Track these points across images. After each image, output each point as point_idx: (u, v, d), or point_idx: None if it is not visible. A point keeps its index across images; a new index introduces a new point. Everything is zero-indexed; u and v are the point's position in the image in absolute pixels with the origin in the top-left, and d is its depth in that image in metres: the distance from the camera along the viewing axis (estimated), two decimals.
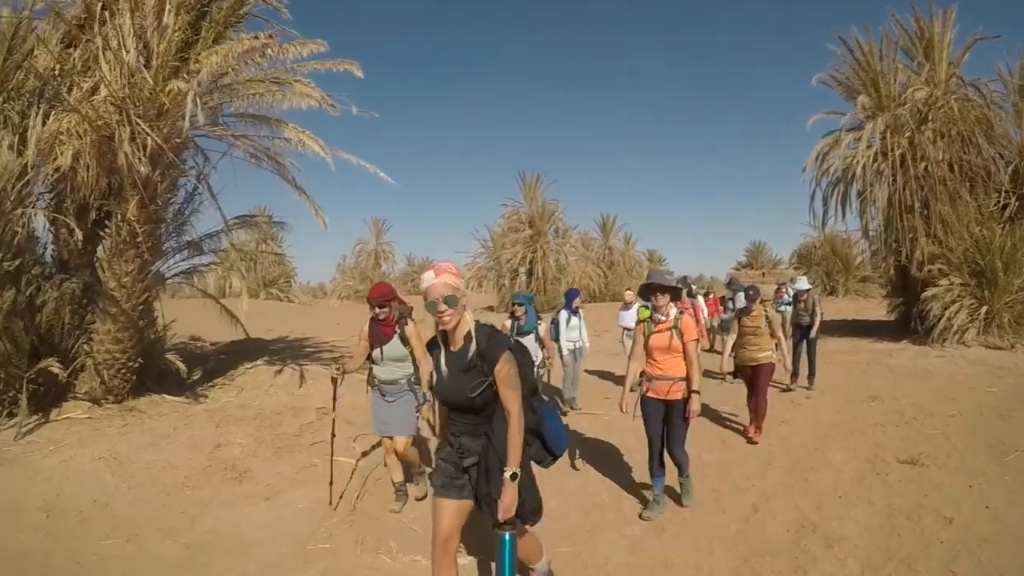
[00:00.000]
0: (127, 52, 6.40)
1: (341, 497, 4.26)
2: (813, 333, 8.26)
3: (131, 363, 6.75)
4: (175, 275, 8.37)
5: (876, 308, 19.06)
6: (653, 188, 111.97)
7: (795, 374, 8.01)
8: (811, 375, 8.05)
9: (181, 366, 7.27)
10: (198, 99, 5.89)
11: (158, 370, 7.48)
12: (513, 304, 6.57)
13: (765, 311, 5.86)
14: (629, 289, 9.94)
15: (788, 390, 7.69)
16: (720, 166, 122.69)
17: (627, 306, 8.35)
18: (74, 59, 6.69)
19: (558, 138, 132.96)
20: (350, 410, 5.60)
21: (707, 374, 6.35)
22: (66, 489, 3.83)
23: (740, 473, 4.58)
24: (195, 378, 8.19)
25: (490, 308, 26.65)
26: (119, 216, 6.65)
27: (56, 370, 5.91)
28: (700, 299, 11.07)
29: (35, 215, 5.71)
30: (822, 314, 8.51)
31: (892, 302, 14.06)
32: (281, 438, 5.46)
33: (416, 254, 50.17)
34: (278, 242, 35.65)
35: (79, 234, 6.92)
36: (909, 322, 11.93)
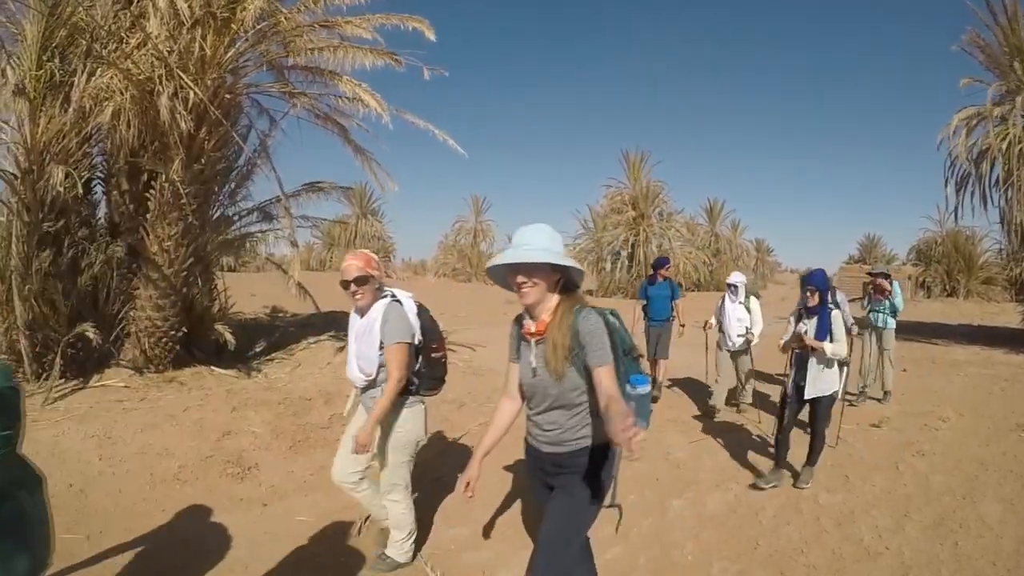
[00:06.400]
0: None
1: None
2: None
3: (173, 332, 6.45)
4: (236, 240, 8.07)
5: (1002, 313, 17.01)
6: (763, 174, 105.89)
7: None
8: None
9: (229, 338, 6.89)
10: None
11: (215, 341, 7.16)
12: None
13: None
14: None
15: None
16: (835, 153, 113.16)
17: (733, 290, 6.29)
18: (127, 16, 6.39)
19: (667, 117, 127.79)
20: None
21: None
22: (47, 468, 3.28)
23: (867, 526, 3.44)
24: (257, 350, 7.87)
25: (588, 292, 25.34)
26: (163, 176, 6.31)
27: (91, 335, 5.64)
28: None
29: (58, 172, 5.31)
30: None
31: None
32: (304, 429, 4.81)
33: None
34: (378, 217, 36.65)
35: (128, 196, 6.68)
36: None
